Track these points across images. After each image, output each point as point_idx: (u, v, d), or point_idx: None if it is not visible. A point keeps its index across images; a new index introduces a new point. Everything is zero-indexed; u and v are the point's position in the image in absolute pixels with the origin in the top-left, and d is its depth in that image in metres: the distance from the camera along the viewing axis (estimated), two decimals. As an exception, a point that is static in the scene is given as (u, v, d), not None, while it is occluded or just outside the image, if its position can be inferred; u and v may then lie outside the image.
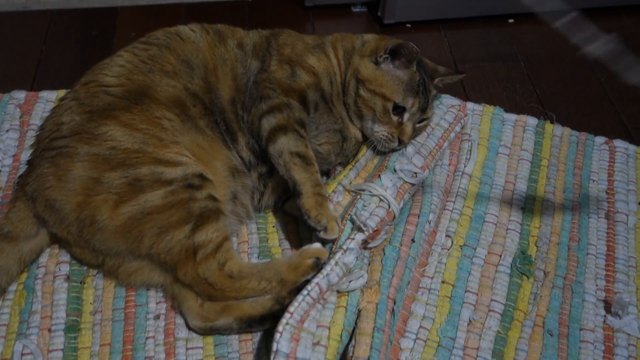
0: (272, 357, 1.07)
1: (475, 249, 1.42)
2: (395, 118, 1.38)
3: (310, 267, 1.22)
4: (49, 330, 1.25)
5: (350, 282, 1.19)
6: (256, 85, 1.36)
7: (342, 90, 1.43)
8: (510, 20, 2.16)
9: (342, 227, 1.27)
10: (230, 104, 1.35)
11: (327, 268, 1.18)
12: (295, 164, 1.28)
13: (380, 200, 1.30)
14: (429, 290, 1.34)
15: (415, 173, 1.39)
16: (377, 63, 1.38)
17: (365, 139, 1.46)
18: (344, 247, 1.22)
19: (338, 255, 1.20)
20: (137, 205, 1.18)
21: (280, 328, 1.09)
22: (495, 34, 2.11)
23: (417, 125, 1.43)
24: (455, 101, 1.65)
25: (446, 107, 1.61)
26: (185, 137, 1.27)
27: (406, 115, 1.38)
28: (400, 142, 1.39)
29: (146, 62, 1.31)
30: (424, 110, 1.41)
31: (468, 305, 1.32)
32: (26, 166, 1.35)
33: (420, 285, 1.34)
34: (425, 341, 1.26)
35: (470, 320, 1.30)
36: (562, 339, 1.30)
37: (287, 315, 1.10)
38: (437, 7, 2.09)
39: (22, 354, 1.21)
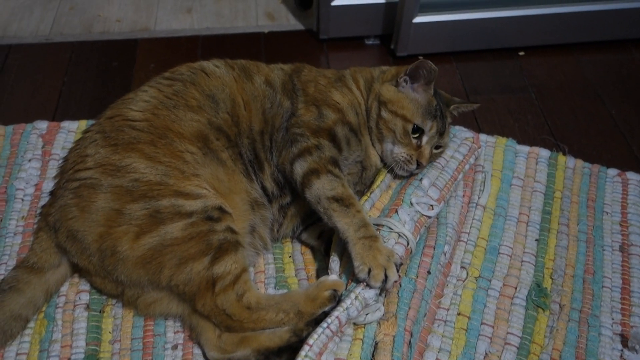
0: (291, 389, 1.07)
1: (490, 280, 1.42)
2: (414, 140, 1.41)
3: (328, 299, 1.23)
4: (69, 360, 1.27)
5: (367, 315, 1.20)
6: (287, 130, 1.39)
7: (366, 117, 1.47)
8: (521, 53, 2.19)
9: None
10: (259, 134, 1.39)
11: (347, 302, 1.19)
12: (335, 210, 1.27)
13: (399, 236, 1.31)
14: (445, 322, 1.34)
15: (432, 205, 1.41)
16: (397, 85, 1.43)
17: (384, 165, 1.50)
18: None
19: (358, 289, 1.21)
20: (157, 236, 1.20)
21: (299, 361, 1.10)
22: (506, 66, 2.15)
23: (434, 151, 1.46)
24: (468, 133, 1.67)
25: (460, 139, 1.63)
26: (206, 169, 1.30)
27: (425, 138, 1.42)
28: (419, 164, 1.42)
29: (171, 98, 1.35)
30: (441, 134, 1.45)
31: (484, 337, 1.32)
32: (49, 196, 1.38)
33: (436, 317, 1.35)
34: (442, 374, 1.26)
35: (486, 353, 1.30)
36: (579, 373, 1.29)
37: (306, 347, 1.11)
38: (449, 40, 2.14)
39: (42, 384, 1.22)
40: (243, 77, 1.43)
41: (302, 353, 1.11)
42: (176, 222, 1.21)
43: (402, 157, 1.42)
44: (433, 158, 1.49)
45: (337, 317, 1.16)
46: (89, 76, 2.05)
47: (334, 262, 1.33)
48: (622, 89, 2.07)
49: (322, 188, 1.30)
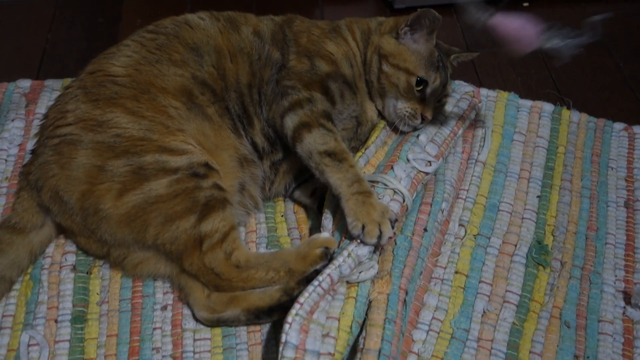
0: (281, 348, 1.04)
1: (489, 238, 1.38)
2: (418, 94, 1.36)
3: (319, 256, 1.19)
4: (56, 321, 1.24)
5: (360, 273, 1.16)
6: (277, 83, 1.33)
7: (363, 70, 1.42)
8: (525, 4, 2.09)
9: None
10: (247, 87, 1.33)
11: (339, 259, 1.14)
12: (327, 165, 1.21)
13: (395, 193, 1.26)
14: (442, 281, 1.30)
15: (430, 162, 1.35)
16: (397, 37, 1.37)
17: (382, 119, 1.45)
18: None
19: (351, 246, 1.16)
20: (141, 194, 1.16)
21: (289, 319, 1.06)
22: (509, 18, 2.05)
23: (437, 104, 1.42)
24: (469, 88, 1.60)
25: (460, 94, 1.56)
26: (191, 125, 1.24)
27: (428, 91, 1.36)
28: (424, 119, 1.38)
29: (154, 53, 1.29)
30: (444, 85, 1.40)
31: (482, 296, 1.28)
32: (30, 155, 1.33)
33: (432, 276, 1.31)
34: (438, 333, 1.23)
35: (484, 312, 1.26)
36: (580, 330, 1.26)
37: (296, 306, 1.07)
38: (450, -10, 2.04)
39: (29, 345, 1.20)
40: (229, 28, 1.36)
41: (293, 311, 1.07)
42: (161, 178, 1.17)
43: (407, 111, 1.37)
44: (436, 111, 1.43)
45: (328, 274, 1.12)
46: (73, 33, 1.97)
47: (327, 220, 1.28)
48: (631, 41, 1.98)
49: (313, 142, 1.24)
